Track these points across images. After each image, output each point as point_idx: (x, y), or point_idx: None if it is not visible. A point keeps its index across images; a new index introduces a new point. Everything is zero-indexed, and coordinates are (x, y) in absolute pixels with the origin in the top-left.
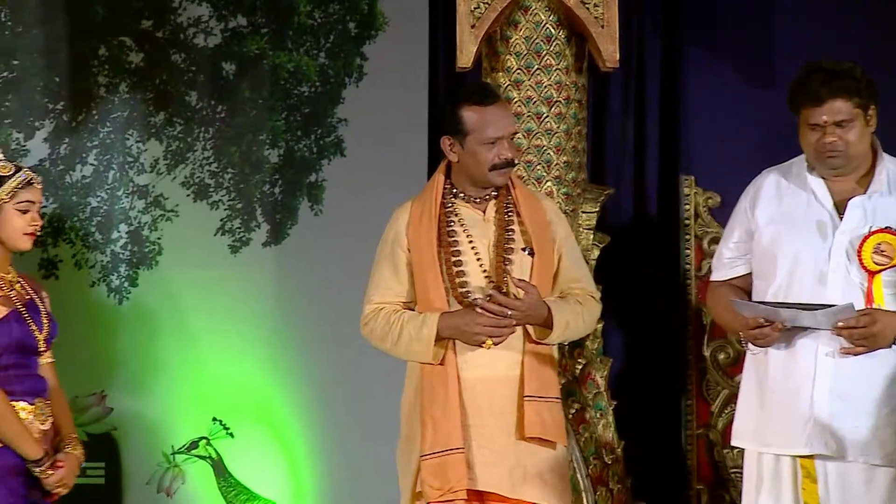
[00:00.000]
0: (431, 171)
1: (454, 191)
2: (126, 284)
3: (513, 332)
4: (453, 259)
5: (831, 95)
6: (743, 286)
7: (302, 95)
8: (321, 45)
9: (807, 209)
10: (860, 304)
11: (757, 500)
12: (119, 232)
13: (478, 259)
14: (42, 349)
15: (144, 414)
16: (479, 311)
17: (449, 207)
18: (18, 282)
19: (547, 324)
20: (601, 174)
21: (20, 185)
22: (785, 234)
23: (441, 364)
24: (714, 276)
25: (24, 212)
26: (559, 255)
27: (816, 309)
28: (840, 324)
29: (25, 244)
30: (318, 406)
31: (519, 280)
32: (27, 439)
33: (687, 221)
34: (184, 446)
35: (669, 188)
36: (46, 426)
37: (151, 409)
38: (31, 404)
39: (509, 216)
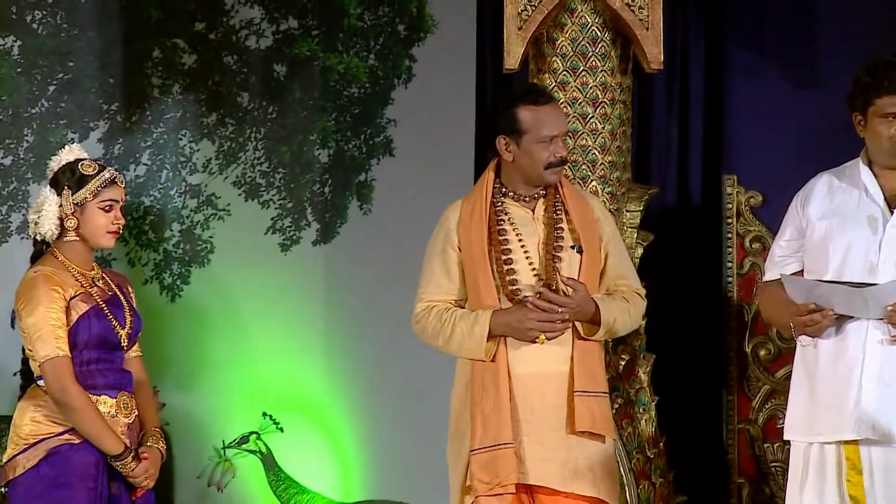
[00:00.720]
0: (478, 171)
1: (503, 190)
2: (178, 282)
3: (567, 328)
4: (504, 257)
5: None
6: None
7: (352, 96)
8: (371, 46)
9: (858, 204)
10: None
11: (801, 493)
12: (172, 230)
13: (527, 257)
14: (125, 344)
15: (196, 409)
16: (531, 307)
17: (499, 206)
18: (102, 278)
19: (595, 320)
20: (645, 173)
21: (104, 184)
22: (837, 228)
23: (492, 361)
24: (766, 277)
25: (107, 210)
26: (606, 252)
27: (863, 286)
28: (890, 308)
29: (108, 242)
30: (366, 401)
31: (568, 278)
32: (108, 434)
33: (729, 220)
34: (234, 441)
35: (712, 187)
36: (130, 419)
37: (202, 405)
38: (113, 398)
39: (558, 214)
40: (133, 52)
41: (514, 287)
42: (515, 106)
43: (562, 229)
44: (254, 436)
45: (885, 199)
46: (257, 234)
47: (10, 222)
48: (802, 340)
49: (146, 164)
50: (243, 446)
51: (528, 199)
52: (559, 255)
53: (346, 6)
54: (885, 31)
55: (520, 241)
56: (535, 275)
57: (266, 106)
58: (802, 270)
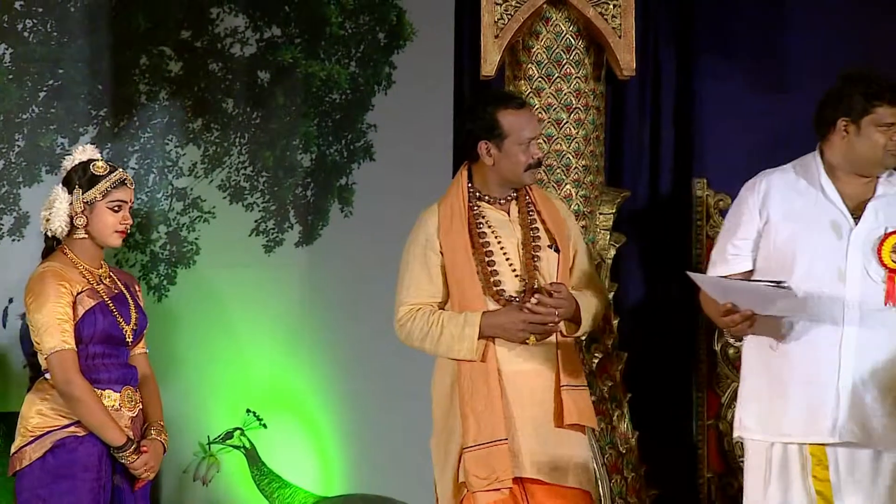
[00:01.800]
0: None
1: (478, 193)
2: (165, 283)
3: (557, 330)
4: (486, 260)
5: None
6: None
7: (333, 102)
8: (352, 54)
9: (816, 205)
10: (880, 301)
11: (765, 492)
12: (158, 232)
13: (507, 259)
14: (129, 340)
15: (181, 405)
16: (527, 312)
17: (476, 210)
18: (109, 276)
19: (575, 319)
20: (618, 177)
21: (113, 185)
22: (802, 232)
23: (482, 360)
24: (711, 271)
25: (116, 210)
26: (574, 250)
27: (779, 286)
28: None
29: (115, 241)
30: (348, 397)
31: (551, 283)
32: (111, 426)
33: (699, 222)
34: (219, 436)
35: (683, 190)
36: (134, 413)
37: (188, 402)
38: (118, 392)
39: (531, 215)
40: (121, 59)
41: (499, 288)
42: (496, 111)
43: (537, 229)
44: (238, 432)
45: (846, 205)
46: (242, 235)
47: (2, 225)
48: (763, 341)
49: (133, 168)
50: (228, 442)
51: (502, 201)
52: (538, 254)
53: (327, 15)
54: (852, 37)
55: (499, 243)
56: (515, 275)
57: (250, 112)
58: (752, 270)
